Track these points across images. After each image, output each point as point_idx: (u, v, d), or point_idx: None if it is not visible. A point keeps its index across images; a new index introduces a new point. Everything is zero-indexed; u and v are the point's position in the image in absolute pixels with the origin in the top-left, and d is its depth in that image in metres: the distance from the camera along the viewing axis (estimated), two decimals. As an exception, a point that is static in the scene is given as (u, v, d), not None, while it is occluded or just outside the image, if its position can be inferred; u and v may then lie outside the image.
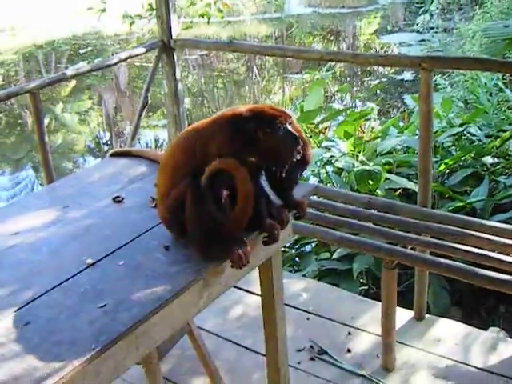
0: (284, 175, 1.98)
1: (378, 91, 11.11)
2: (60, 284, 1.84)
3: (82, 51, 14.98)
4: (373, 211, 3.24)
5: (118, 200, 2.32)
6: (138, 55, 4.01)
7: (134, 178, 2.50)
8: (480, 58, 4.89)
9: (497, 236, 2.91)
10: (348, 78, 12.49)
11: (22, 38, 15.89)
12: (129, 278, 1.85)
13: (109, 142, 10.35)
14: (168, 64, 3.92)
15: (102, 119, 11.53)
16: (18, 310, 1.73)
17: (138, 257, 1.95)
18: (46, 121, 10.86)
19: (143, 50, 3.96)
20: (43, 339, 1.61)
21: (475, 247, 2.89)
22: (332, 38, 16.25)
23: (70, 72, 3.55)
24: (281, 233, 2.20)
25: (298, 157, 1.89)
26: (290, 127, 1.87)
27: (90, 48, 15.18)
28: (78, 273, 1.88)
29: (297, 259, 4.75)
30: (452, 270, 2.75)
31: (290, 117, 1.90)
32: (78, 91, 12.54)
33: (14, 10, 16.54)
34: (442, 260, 2.80)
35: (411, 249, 2.96)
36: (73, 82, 12.34)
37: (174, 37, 3.86)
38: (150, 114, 10.61)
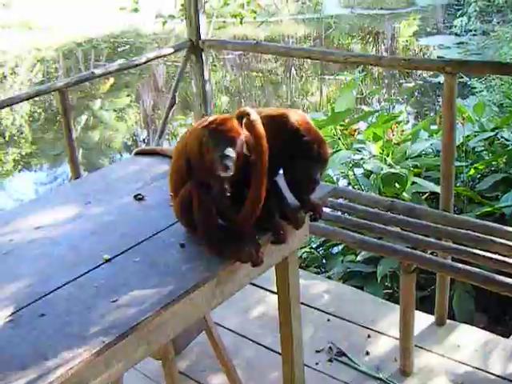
0: (300, 176, 2.02)
1: (416, 93, 11.02)
2: (76, 278, 1.89)
3: (120, 49, 15.17)
4: (394, 214, 3.24)
5: (139, 198, 2.37)
6: (166, 55, 4.07)
7: (157, 176, 2.55)
8: (504, 62, 4.82)
9: (519, 243, 2.89)
10: (386, 80, 12.42)
11: (62, 35, 16.16)
12: (143, 274, 1.90)
13: (146, 140, 10.45)
14: (196, 64, 3.97)
15: (139, 117, 11.66)
16: (34, 301, 1.79)
17: (153, 254, 2.00)
18: (84, 117, 11.04)
19: (171, 50, 4.01)
20: (56, 331, 1.66)
21: (497, 253, 2.86)
22: (370, 39, 16.16)
23: (98, 71, 3.62)
24: (296, 233, 2.23)
25: (228, 174, 1.86)
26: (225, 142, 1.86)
27: (128, 46, 15.37)
28: (95, 268, 1.94)
29: (324, 260, 4.75)
30: (470, 275, 2.73)
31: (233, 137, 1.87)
32: (116, 88, 12.70)
33: (53, 7, 16.84)
34: (461, 265, 2.78)
35: (432, 254, 2.96)
36: (111, 80, 12.52)
37: (202, 37, 3.91)
38: (188, 112, 10.70)
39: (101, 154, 9.84)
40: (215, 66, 13.71)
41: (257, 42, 3.76)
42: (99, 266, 1.95)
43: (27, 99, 3.39)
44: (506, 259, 2.83)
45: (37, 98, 9.04)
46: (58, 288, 1.85)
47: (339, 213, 3.52)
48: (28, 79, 13.40)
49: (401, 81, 12.15)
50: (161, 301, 1.76)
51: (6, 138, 10.30)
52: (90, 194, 2.44)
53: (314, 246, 4.73)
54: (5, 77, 13.71)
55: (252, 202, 1.92)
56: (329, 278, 4.28)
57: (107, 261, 1.97)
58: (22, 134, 10.55)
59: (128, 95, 12.59)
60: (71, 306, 1.76)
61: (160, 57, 4.08)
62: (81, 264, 1.96)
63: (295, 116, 2.07)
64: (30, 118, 11.16)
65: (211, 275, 1.91)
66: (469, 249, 2.91)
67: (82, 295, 1.81)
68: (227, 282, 2.01)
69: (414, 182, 4.24)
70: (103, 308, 1.74)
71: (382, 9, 17.76)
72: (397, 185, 4.17)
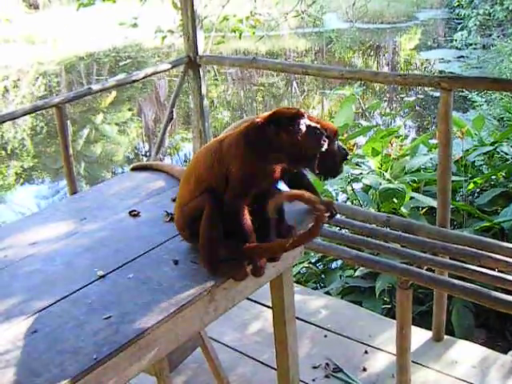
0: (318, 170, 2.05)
1: (418, 107, 11.04)
2: (70, 295, 1.89)
3: (121, 63, 15.24)
4: (390, 230, 3.24)
5: (133, 214, 2.37)
6: (163, 71, 4.10)
7: (152, 192, 2.56)
8: (499, 78, 4.84)
9: (515, 258, 2.88)
10: (388, 94, 12.46)
11: (64, 49, 16.26)
12: (136, 290, 1.90)
13: (147, 153, 10.48)
14: (194, 80, 4.00)
15: (141, 130, 11.69)
16: (27, 318, 1.79)
17: (147, 270, 2.00)
18: (86, 131, 11.07)
19: (169, 65, 4.04)
20: (48, 347, 1.66)
21: (492, 269, 2.86)
22: (372, 53, 16.23)
23: (95, 87, 3.65)
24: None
25: (325, 146, 1.91)
26: (308, 121, 1.92)
27: (129, 60, 15.45)
28: (88, 284, 1.94)
29: (323, 276, 4.74)
30: (466, 291, 2.72)
31: (304, 112, 1.95)
32: (119, 102, 12.75)
33: (56, 22, 16.95)
34: (456, 281, 2.77)
35: (429, 269, 2.95)
36: (113, 93, 12.58)
37: (200, 53, 3.94)
38: (189, 126, 10.73)
39: (103, 168, 9.88)
40: (217, 79, 13.76)
41: (254, 57, 3.77)
42: (93, 282, 1.95)
43: (24, 115, 3.42)
44: (503, 275, 2.83)
45: (39, 112, 9.08)
46: (52, 304, 1.85)
47: (336, 229, 3.52)
48: (30, 93, 13.46)
49: (402, 95, 12.18)
50: (153, 318, 1.76)
51: (8, 152, 10.33)
52: (85, 210, 2.45)
53: (312, 261, 4.72)
54: (7, 90, 13.78)
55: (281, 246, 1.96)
56: (327, 293, 4.27)
57: (101, 277, 1.97)
58: (23, 147, 10.59)
59: (130, 109, 12.64)
60: (64, 323, 1.76)
61: (158, 72, 4.11)
62: (74, 280, 1.96)
63: None
64: (32, 132, 11.20)
65: (204, 292, 1.90)
66: (465, 265, 2.91)
67: (74, 312, 1.81)
68: (220, 299, 2.00)
69: (412, 197, 4.24)
70: (96, 324, 1.74)
71: (382, 23, 17.85)
72: (395, 200, 4.17)
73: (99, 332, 1.71)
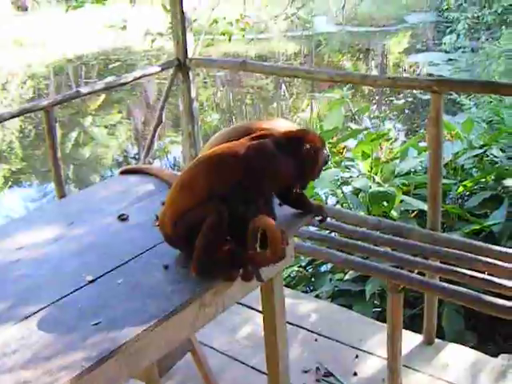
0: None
1: (407, 110, 11.07)
2: (58, 300, 1.87)
3: (111, 66, 15.20)
4: (381, 234, 3.23)
5: (122, 218, 2.35)
6: (152, 74, 4.09)
7: (141, 196, 2.53)
8: (489, 81, 4.88)
9: (505, 262, 2.88)
10: (377, 97, 12.47)
11: (53, 51, 16.19)
12: (125, 296, 1.88)
13: (137, 156, 10.44)
14: (183, 82, 3.99)
15: (130, 133, 11.65)
16: (15, 324, 1.77)
17: (136, 275, 1.98)
18: (75, 134, 11.02)
19: (158, 68, 4.03)
20: (36, 354, 1.64)
21: (482, 272, 2.86)
22: (361, 56, 16.27)
23: (84, 89, 3.63)
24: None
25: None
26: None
27: (119, 63, 15.40)
28: (77, 289, 1.91)
29: (313, 279, 4.73)
30: (456, 295, 2.72)
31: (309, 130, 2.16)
32: (108, 105, 12.70)
33: (44, 24, 16.89)
34: (446, 285, 2.78)
35: (419, 273, 2.95)
36: (102, 96, 12.53)
37: (189, 56, 3.93)
38: (179, 129, 10.69)
39: (92, 171, 9.83)
40: (206, 82, 13.74)
41: (243, 60, 3.77)
42: (82, 287, 1.93)
43: (11, 118, 3.39)
44: (493, 278, 2.83)
45: (27, 114, 9.01)
46: (40, 310, 1.82)
47: (326, 232, 3.51)
48: (19, 95, 13.40)
49: (391, 98, 12.20)
50: (143, 323, 1.74)
51: (-4, 154, 10.28)
52: (73, 214, 2.43)
53: (302, 264, 4.71)
54: (-4, 93, 13.73)
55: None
56: (317, 296, 4.25)
57: (90, 282, 1.95)
58: (12, 150, 10.52)
59: (119, 112, 12.59)
60: (52, 329, 1.73)
61: (146, 75, 4.09)
62: (63, 285, 1.94)
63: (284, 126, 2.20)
64: (21, 134, 11.13)
65: (194, 297, 1.89)
66: (455, 268, 2.90)
67: (63, 317, 1.78)
68: (211, 304, 1.99)
69: (402, 200, 4.24)
70: (85, 330, 1.72)
71: (372, 26, 17.90)
72: (385, 203, 4.17)
73: (88, 338, 1.69)
